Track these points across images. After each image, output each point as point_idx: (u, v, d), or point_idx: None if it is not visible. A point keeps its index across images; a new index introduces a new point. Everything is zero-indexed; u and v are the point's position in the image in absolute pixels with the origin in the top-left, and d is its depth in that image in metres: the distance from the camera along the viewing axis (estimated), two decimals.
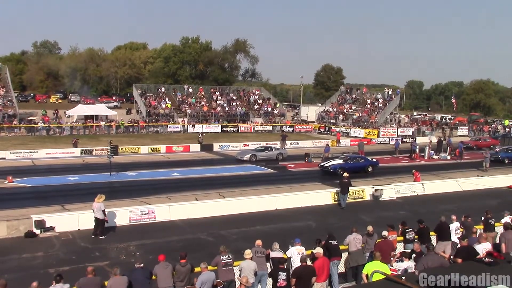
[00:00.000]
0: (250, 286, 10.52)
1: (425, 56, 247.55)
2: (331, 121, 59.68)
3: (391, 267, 11.22)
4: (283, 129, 55.07)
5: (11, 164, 32.19)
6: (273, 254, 11.76)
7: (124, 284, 10.12)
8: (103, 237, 16.63)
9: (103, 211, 16.71)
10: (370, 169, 30.98)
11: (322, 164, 31.37)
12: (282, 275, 10.62)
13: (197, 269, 10.80)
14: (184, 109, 57.05)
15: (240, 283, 10.16)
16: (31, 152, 35.28)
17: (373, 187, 23.58)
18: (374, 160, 32.49)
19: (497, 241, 13.38)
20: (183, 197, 22.49)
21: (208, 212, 19.53)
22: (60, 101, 78.84)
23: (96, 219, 16.69)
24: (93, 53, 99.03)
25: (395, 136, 51.11)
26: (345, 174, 22.48)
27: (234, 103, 61.32)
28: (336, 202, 22.30)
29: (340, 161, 30.89)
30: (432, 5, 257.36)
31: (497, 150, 40.75)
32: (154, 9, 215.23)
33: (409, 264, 11.27)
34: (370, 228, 13.33)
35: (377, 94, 65.71)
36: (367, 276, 9.86)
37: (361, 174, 29.74)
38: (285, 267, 11.12)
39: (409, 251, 12.84)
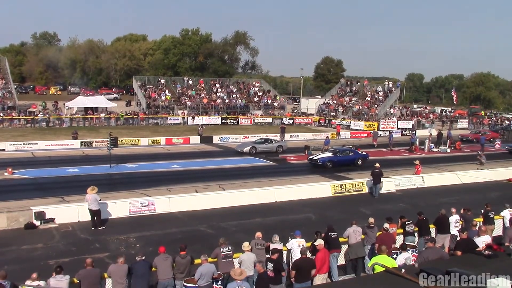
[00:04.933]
0: (244, 278, 10.51)
1: (426, 49, 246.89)
2: (331, 113, 59.59)
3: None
4: (282, 121, 55.09)
5: (11, 155, 32.18)
6: (273, 246, 11.77)
7: (124, 272, 10.21)
8: (102, 227, 16.68)
9: (99, 201, 16.79)
10: (359, 162, 30.49)
11: (311, 157, 31.08)
12: (270, 266, 10.61)
13: (197, 261, 10.82)
14: (184, 101, 56.93)
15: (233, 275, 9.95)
16: (30, 144, 35.22)
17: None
18: (364, 153, 31.95)
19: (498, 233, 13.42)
20: (183, 189, 22.50)
21: (208, 204, 19.55)
22: (59, 92, 78.78)
23: (91, 211, 16.68)
24: (93, 44, 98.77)
25: (395, 129, 51.02)
26: (377, 165, 22.66)
27: (234, 95, 61.19)
28: (336, 195, 22.38)
29: (329, 154, 30.60)
30: None
31: None
32: (154, 1, 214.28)
33: (407, 255, 11.29)
34: (371, 220, 13.36)
35: (377, 87, 65.54)
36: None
37: (362, 167, 29.69)
38: (277, 258, 10.80)
39: (409, 243, 12.87)
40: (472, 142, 44.80)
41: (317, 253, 11.17)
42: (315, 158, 30.29)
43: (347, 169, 29.19)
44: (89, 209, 16.72)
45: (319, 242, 11.38)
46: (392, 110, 59.15)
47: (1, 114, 45.67)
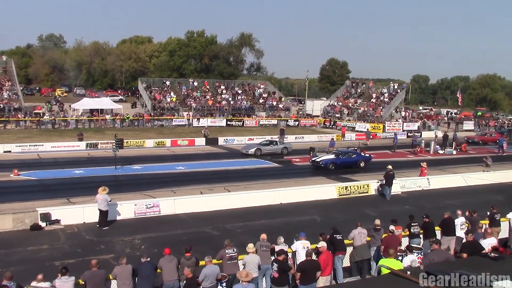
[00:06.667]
0: (251, 280, 10.50)
1: (431, 50, 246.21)
2: (336, 115, 59.50)
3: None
4: (287, 123, 55.15)
5: (17, 157, 32.33)
6: (277, 248, 11.75)
7: (129, 273, 10.23)
8: (106, 228, 16.75)
9: (109, 202, 16.92)
10: (362, 164, 30.36)
11: (313, 159, 30.98)
12: (274, 267, 10.58)
13: (201, 263, 10.82)
14: (189, 103, 57.02)
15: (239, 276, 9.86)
16: (36, 145, 35.37)
17: (378, 182, 23.49)
18: (367, 155, 31.94)
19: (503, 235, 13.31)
20: (188, 190, 22.52)
21: (213, 206, 19.58)
22: (65, 94, 78.95)
23: (101, 211, 16.80)
24: (98, 46, 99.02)
25: (400, 131, 50.84)
26: (389, 167, 22.73)
27: (239, 97, 61.22)
28: (341, 197, 22.34)
29: (332, 156, 30.50)
30: None
31: None
32: (159, 3, 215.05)
33: (413, 258, 11.25)
34: (377, 222, 13.29)
35: (383, 89, 65.40)
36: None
37: (367, 169, 29.66)
38: (282, 260, 10.80)
39: (415, 245, 12.81)
40: (478, 144, 44.57)
41: (320, 255, 11.14)
42: (318, 160, 30.21)
43: (352, 171, 29.13)
44: (98, 209, 16.82)
45: (322, 245, 11.36)
46: (403, 113, 59.10)
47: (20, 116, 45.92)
